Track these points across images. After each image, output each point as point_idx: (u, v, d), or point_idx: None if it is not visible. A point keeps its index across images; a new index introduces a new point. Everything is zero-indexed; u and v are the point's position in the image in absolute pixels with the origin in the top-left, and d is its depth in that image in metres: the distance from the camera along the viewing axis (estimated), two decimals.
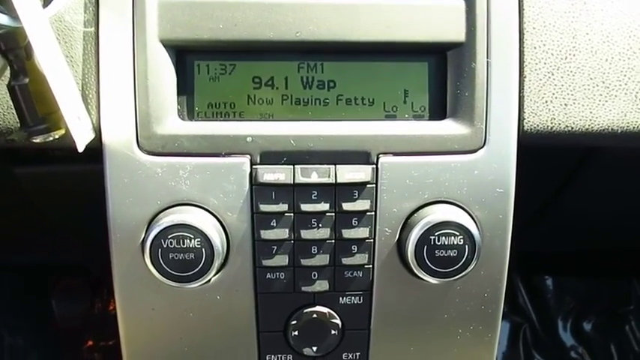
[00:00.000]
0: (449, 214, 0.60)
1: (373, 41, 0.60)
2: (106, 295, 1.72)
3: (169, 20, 0.59)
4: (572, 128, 0.64)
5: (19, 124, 0.56)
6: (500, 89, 0.61)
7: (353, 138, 0.61)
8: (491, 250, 0.63)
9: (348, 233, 0.61)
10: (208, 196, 0.60)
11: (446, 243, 0.60)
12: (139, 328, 0.64)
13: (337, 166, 0.61)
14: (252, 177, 0.60)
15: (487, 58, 0.61)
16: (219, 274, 0.61)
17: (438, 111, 0.62)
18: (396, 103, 0.62)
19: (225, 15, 0.59)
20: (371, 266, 0.62)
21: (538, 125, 0.63)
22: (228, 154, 0.60)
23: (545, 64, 0.62)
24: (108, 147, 0.60)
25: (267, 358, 0.65)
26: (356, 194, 0.61)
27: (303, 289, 0.63)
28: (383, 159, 0.61)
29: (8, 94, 0.55)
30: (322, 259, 0.62)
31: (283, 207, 0.60)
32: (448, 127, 0.61)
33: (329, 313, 0.63)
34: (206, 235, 0.58)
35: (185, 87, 0.61)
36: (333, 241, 0.62)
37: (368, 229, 0.61)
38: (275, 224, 0.61)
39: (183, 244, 0.58)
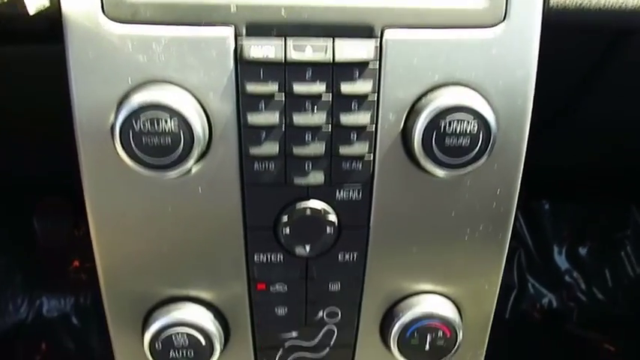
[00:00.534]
0: (461, 98, 0.53)
1: None
2: None
3: None
4: (604, 5, 0.56)
5: None
6: None
7: (354, 8, 0.53)
8: (506, 141, 0.56)
9: (346, 119, 0.54)
10: (186, 73, 0.52)
11: (457, 130, 0.53)
12: (111, 226, 0.58)
13: (335, 40, 0.52)
14: (237, 52, 0.52)
15: None
16: (200, 163, 0.54)
17: None
18: None
19: None
20: (372, 157, 0.56)
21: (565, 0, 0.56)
22: (209, 24, 0.52)
23: None
24: (68, 15, 0.51)
25: (256, 257, 0.60)
26: (356, 74, 0.53)
27: (296, 181, 0.56)
28: (388, 33, 0.53)
29: None
30: (317, 148, 0.55)
31: (273, 87, 0.53)
32: None
33: (324, 209, 0.57)
34: (184, 117, 0.51)
35: None
36: (330, 127, 0.54)
37: (369, 115, 0.54)
38: (263, 107, 0.53)
39: (159, 127, 0.51)
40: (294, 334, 0.65)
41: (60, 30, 0.52)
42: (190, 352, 0.61)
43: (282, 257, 0.59)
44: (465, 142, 0.53)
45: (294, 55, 0.52)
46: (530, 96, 0.55)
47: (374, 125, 0.55)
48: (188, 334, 0.61)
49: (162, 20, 0.51)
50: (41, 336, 1.58)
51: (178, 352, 0.61)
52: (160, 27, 0.52)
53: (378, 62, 0.53)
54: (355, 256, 0.60)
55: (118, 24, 0.51)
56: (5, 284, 1.56)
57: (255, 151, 0.54)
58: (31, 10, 0.48)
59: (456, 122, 0.53)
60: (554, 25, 0.55)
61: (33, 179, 1.35)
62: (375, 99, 0.54)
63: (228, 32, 0.52)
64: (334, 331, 0.65)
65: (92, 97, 0.52)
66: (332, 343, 0.66)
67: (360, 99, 0.54)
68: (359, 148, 0.55)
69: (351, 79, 0.53)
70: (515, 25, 0.54)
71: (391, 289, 0.63)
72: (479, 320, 0.67)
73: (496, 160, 0.56)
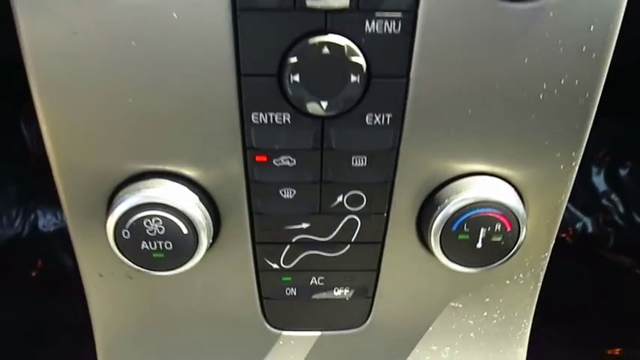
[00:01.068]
0: None
1: None
2: None
3: None
4: None
5: None
6: None
7: None
8: None
9: None
10: None
11: None
12: (55, 71, 0.42)
13: None
14: None
15: None
16: None
17: None
18: None
19: None
20: None
21: None
22: None
23: None
24: None
25: (254, 117, 0.44)
26: None
27: (310, 3, 0.39)
28: None
29: None
30: None
31: None
32: None
33: (348, 46, 0.41)
34: None
35: None
36: None
37: None
38: None
39: None
40: (304, 225, 0.51)
41: None
42: (168, 244, 0.47)
43: (289, 117, 0.44)
44: None
45: None
46: None
47: None
48: (165, 219, 0.46)
49: None
50: (37, 251, 1.51)
51: (152, 244, 0.47)
52: None
53: None
54: (388, 118, 0.44)
55: None
56: None
57: None
58: None
59: None
60: None
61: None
62: None
63: None
64: (357, 223, 0.50)
65: None
66: (354, 238, 0.51)
67: None
68: None
69: None
70: None
71: (434, 168, 0.48)
72: (547, 212, 0.51)
73: None
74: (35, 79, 0.43)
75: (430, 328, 0.58)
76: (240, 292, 0.55)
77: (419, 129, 0.46)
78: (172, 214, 0.46)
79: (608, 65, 0.44)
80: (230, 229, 0.50)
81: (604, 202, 1.75)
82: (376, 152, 0.46)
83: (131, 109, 0.44)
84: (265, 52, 0.42)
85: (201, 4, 0.40)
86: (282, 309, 0.56)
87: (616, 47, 0.44)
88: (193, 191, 0.48)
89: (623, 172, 1.76)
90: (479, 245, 0.49)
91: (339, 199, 0.49)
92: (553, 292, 0.64)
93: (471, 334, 0.59)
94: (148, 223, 0.46)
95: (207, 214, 0.48)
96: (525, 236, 0.49)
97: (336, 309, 0.56)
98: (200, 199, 0.48)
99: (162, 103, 0.44)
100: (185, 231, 0.47)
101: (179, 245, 0.47)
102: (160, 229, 0.47)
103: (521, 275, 0.56)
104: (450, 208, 0.48)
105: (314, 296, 0.55)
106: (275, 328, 0.57)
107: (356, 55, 0.41)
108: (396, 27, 0.41)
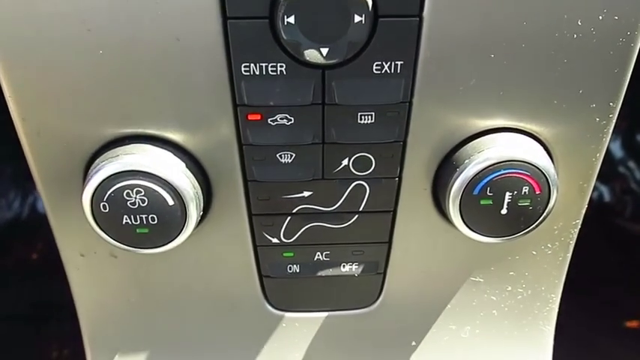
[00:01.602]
0: None
1: None
2: None
3: None
4: None
5: None
6: None
7: None
8: None
9: None
10: None
11: None
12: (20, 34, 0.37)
13: None
14: None
15: None
16: None
17: None
18: None
19: None
20: None
21: None
22: None
23: None
24: None
25: (244, 68, 0.39)
26: None
27: None
28: None
29: None
30: None
31: None
32: None
33: None
34: None
35: None
36: None
37: None
38: None
39: None
40: (306, 193, 0.46)
41: None
42: (153, 218, 0.42)
43: (284, 67, 0.39)
44: None
45: None
46: None
47: None
48: (147, 190, 0.41)
49: None
50: (37, 233, 1.50)
51: (134, 218, 0.42)
52: None
53: None
54: (399, 66, 0.39)
55: None
56: None
57: None
58: None
59: None
60: None
61: None
62: None
63: None
64: (365, 189, 0.46)
65: None
66: (362, 206, 0.47)
67: None
68: None
69: None
70: None
71: (452, 123, 0.43)
72: (580, 173, 0.46)
73: None
74: None
75: (448, 306, 0.53)
76: (237, 271, 0.50)
77: (434, 78, 0.41)
78: (156, 184, 0.41)
79: None
80: (222, 200, 0.46)
81: (621, 169, 1.72)
82: (385, 106, 0.41)
83: (103, 62, 0.39)
84: None
85: None
86: (284, 288, 0.52)
87: None
88: (179, 157, 0.43)
89: None
90: (504, 211, 0.44)
91: (345, 162, 0.44)
92: (570, 264, 0.60)
93: (494, 312, 0.54)
94: (128, 194, 0.41)
95: (195, 182, 0.43)
96: (556, 200, 0.44)
97: (344, 287, 0.52)
98: (187, 166, 0.43)
99: (138, 54, 0.39)
100: (171, 202, 0.42)
101: (165, 219, 0.42)
102: (143, 200, 0.41)
103: (549, 245, 0.51)
104: (470, 170, 0.43)
105: (319, 273, 0.51)
106: (277, 309, 0.54)
107: None
108: None
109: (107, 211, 0.42)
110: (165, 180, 0.41)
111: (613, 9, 0.38)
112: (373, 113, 0.41)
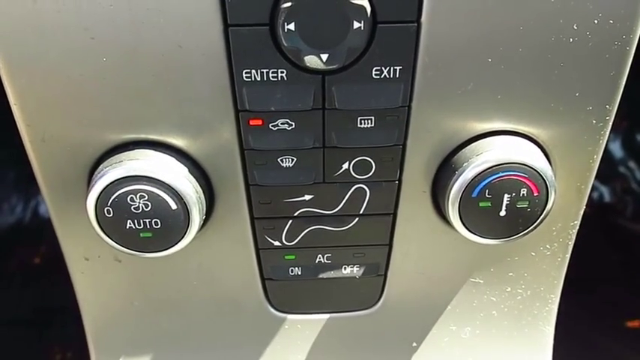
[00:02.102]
0: None
1: None
2: None
3: None
4: None
5: None
6: None
7: None
8: None
9: None
10: None
11: None
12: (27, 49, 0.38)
13: None
14: None
15: None
16: None
17: None
18: None
19: None
20: None
21: None
22: None
23: None
24: None
25: (245, 74, 0.39)
26: None
27: None
28: None
29: None
30: None
31: None
32: None
33: None
34: None
35: None
36: None
37: None
38: None
39: None
40: (307, 197, 0.47)
41: None
42: (156, 222, 0.43)
43: (284, 73, 0.39)
44: None
45: None
46: None
47: None
48: (151, 194, 0.42)
49: None
50: (40, 237, 1.51)
51: (138, 222, 0.42)
52: None
53: None
54: (398, 71, 0.40)
55: None
56: None
57: None
58: None
59: None
60: None
61: None
62: None
63: None
64: (366, 192, 0.46)
65: None
66: (362, 209, 0.47)
67: None
68: None
69: None
70: None
71: (451, 127, 0.44)
72: (578, 174, 0.47)
73: None
74: None
75: (448, 307, 0.54)
76: (239, 274, 0.51)
77: (433, 82, 0.41)
78: (159, 188, 0.42)
79: None
80: (225, 204, 0.47)
81: (621, 169, 1.72)
82: (385, 111, 0.42)
83: (106, 70, 0.40)
84: None
85: None
86: (286, 291, 0.53)
87: None
88: (182, 162, 0.44)
89: None
90: (502, 213, 0.44)
91: (345, 166, 0.45)
92: (570, 264, 0.60)
93: (494, 312, 0.55)
94: (132, 199, 0.42)
95: (198, 187, 0.43)
96: (554, 201, 0.44)
97: (346, 289, 0.53)
98: (190, 171, 0.44)
99: (141, 61, 0.39)
100: (174, 207, 0.42)
101: (168, 223, 0.43)
102: (146, 205, 0.42)
103: (548, 246, 0.52)
104: (469, 172, 0.43)
105: (320, 275, 0.51)
106: (279, 311, 0.54)
107: None
108: None
109: (111, 215, 0.43)
110: (168, 185, 0.42)
111: (608, 13, 0.39)
112: (373, 117, 0.42)
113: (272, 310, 0.54)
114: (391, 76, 0.40)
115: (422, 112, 0.42)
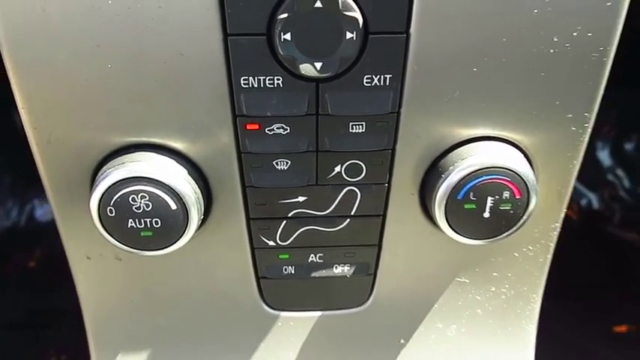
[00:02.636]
0: None
1: None
2: None
3: None
4: None
5: None
6: None
7: None
8: None
9: None
10: None
11: None
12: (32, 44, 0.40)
13: None
14: None
15: None
16: None
17: None
18: None
19: None
20: None
21: None
22: None
23: None
24: None
25: (243, 81, 0.41)
26: None
27: None
28: None
29: None
30: None
31: None
32: None
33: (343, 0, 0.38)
34: None
35: None
36: None
37: None
38: None
39: None
40: (300, 198, 0.49)
41: None
42: (156, 222, 0.44)
43: (280, 80, 0.41)
44: None
45: None
46: None
47: None
48: (152, 195, 0.44)
49: None
50: (35, 241, 1.51)
51: (139, 222, 0.44)
52: None
53: None
54: (388, 79, 0.42)
55: None
56: None
57: None
58: None
59: None
60: None
61: None
62: None
63: None
64: (357, 194, 0.48)
65: None
66: (353, 211, 0.49)
67: None
68: None
69: None
70: None
71: (438, 132, 0.46)
72: (558, 178, 0.49)
73: None
74: (6, 48, 0.40)
75: (435, 305, 0.56)
76: (235, 272, 0.53)
77: (421, 90, 0.43)
78: (160, 189, 0.44)
79: (624, 16, 0.41)
80: (222, 205, 0.49)
81: (609, 177, 1.74)
82: (375, 117, 0.44)
83: (110, 76, 0.42)
84: (253, 8, 0.39)
85: None
86: (279, 289, 0.55)
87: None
88: (181, 164, 0.46)
89: (628, 147, 1.74)
90: (486, 215, 0.46)
91: (337, 169, 0.47)
92: (558, 269, 0.63)
93: (478, 311, 0.57)
94: (133, 199, 0.44)
95: (196, 188, 0.45)
96: (536, 204, 0.46)
97: (337, 287, 0.55)
98: (189, 173, 0.46)
99: (144, 68, 0.41)
100: (174, 207, 0.44)
101: (168, 222, 0.45)
102: (147, 205, 0.44)
103: (530, 247, 0.54)
104: (454, 176, 0.46)
105: (313, 274, 0.53)
106: (273, 309, 0.56)
107: (351, 9, 0.39)
108: None
109: (113, 215, 0.44)
110: (168, 186, 0.44)
111: (586, 26, 0.42)
112: (364, 123, 0.44)
113: (266, 307, 0.56)
114: (381, 83, 0.42)
115: (410, 118, 0.45)
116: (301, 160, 0.46)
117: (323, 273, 0.53)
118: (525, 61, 0.43)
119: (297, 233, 0.51)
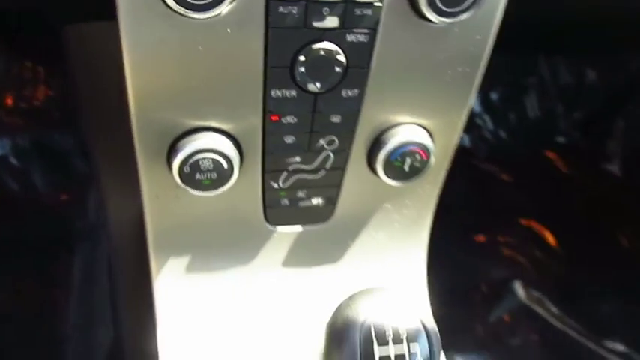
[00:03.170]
0: None
1: None
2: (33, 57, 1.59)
3: None
4: None
5: None
6: None
7: None
8: None
9: None
10: None
11: None
12: (144, 63, 0.61)
13: None
14: None
15: None
16: (231, 5, 0.60)
17: None
18: None
19: None
20: (381, 4, 0.64)
21: None
22: None
23: None
24: None
25: (272, 93, 0.66)
26: None
27: (314, 24, 0.63)
28: None
29: None
30: None
31: None
32: None
33: (336, 50, 0.65)
34: None
35: None
36: None
37: None
38: None
39: None
40: (297, 159, 0.71)
41: None
42: (214, 175, 0.70)
43: (295, 93, 0.64)
44: None
45: None
46: None
47: None
48: (212, 159, 0.69)
49: None
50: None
51: (203, 175, 0.69)
52: None
53: None
54: (356, 92, 0.66)
55: None
56: None
57: None
58: None
59: None
60: None
61: None
62: None
63: None
64: (330, 156, 0.71)
65: None
66: (328, 166, 0.72)
67: None
68: None
69: None
70: None
71: (380, 122, 0.69)
72: (445, 148, 0.79)
73: (479, 13, 0.66)
74: (130, 68, 0.62)
75: (371, 221, 0.80)
76: (251, 204, 0.73)
77: (373, 98, 0.65)
78: (217, 155, 0.64)
79: (486, 63, 0.72)
80: (249, 164, 0.68)
81: (477, 121, 2.09)
82: (347, 113, 0.66)
83: (193, 88, 0.65)
84: (285, 53, 0.61)
85: (246, 22, 0.61)
86: (278, 212, 0.76)
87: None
88: (228, 139, 0.65)
89: (494, 97, 2.10)
90: (406, 168, 0.70)
91: (321, 142, 0.68)
92: (442, 197, 0.87)
93: (396, 224, 0.86)
94: (202, 162, 0.66)
95: (237, 154, 0.67)
96: (433, 162, 0.74)
97: (313, 211, 0.76)
98: (233, 145, 0.65)
99: (214, 82, 0.64)
100: (225, 166, 0.68)
101: (221, 175, 0.69)
102: (210, 165, 0.70)
103: (427, 185, 0.78)
104: (389, 146, 0.69)
105: (300, 204, 0.75)
106: (272, 225, 0.77)
107: (340, 54, 0.62)
108: (365, 38, 0.66)
109: (188, 172, 0.68)
110: (222, 153, 0.68)
111: (465, 65, 0.72)
112: (340, 116, 0.70)
113: (268, 225, 0.76)
114: (353, 95, 0.65)
115: (365, 113, 0.70)
116: (301, 137, 0.67)
117: (306, 203, 0.75)
118: (432, 83, 0.70)
119: (292, 179, 0.72)
